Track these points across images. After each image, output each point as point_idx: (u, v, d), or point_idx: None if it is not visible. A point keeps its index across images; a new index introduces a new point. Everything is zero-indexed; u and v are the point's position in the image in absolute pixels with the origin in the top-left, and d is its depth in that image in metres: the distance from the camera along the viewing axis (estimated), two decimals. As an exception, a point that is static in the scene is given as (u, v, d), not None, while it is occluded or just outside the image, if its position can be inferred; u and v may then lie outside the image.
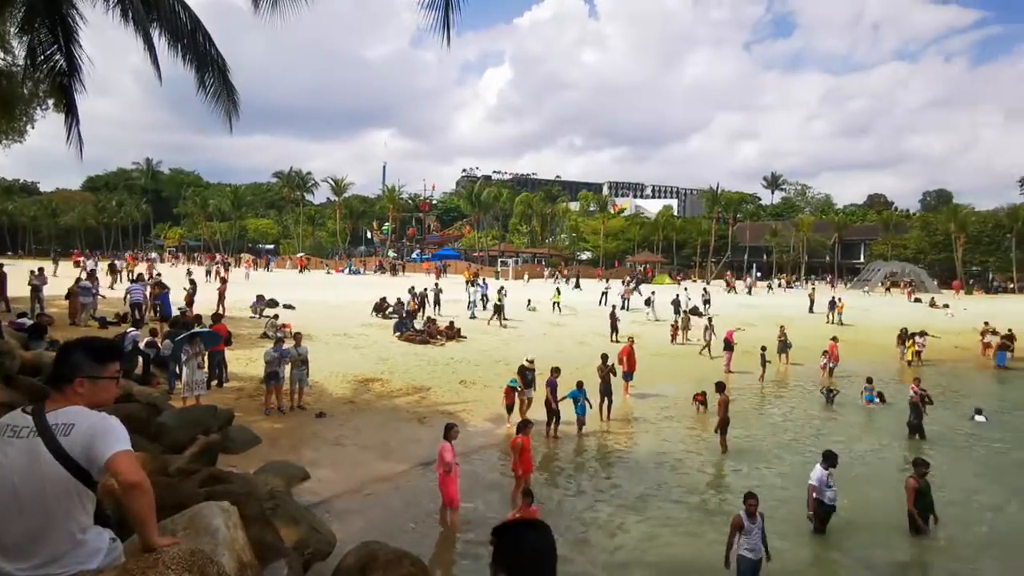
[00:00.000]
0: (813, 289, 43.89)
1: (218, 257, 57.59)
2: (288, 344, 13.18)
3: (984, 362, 24.61)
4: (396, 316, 22.81)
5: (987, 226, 62.99)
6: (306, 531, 6.67)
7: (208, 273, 37.60)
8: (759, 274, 66.58)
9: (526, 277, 51.84)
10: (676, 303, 29.17)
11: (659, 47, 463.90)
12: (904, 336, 24.27)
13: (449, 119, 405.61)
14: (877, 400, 16.95)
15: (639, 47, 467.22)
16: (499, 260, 64.00)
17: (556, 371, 13.06)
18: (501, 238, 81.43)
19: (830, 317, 31.42)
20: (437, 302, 27.07)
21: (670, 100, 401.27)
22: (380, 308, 24.68)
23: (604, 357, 14.98)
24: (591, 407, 13.64)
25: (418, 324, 22.11)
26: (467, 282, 31.94)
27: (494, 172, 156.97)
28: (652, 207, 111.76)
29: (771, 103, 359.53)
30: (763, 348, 19.82)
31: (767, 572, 7.12)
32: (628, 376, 16.34)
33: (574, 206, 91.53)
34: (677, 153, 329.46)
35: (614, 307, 25.57)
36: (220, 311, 20.10)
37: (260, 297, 23.79)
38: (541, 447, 11.74)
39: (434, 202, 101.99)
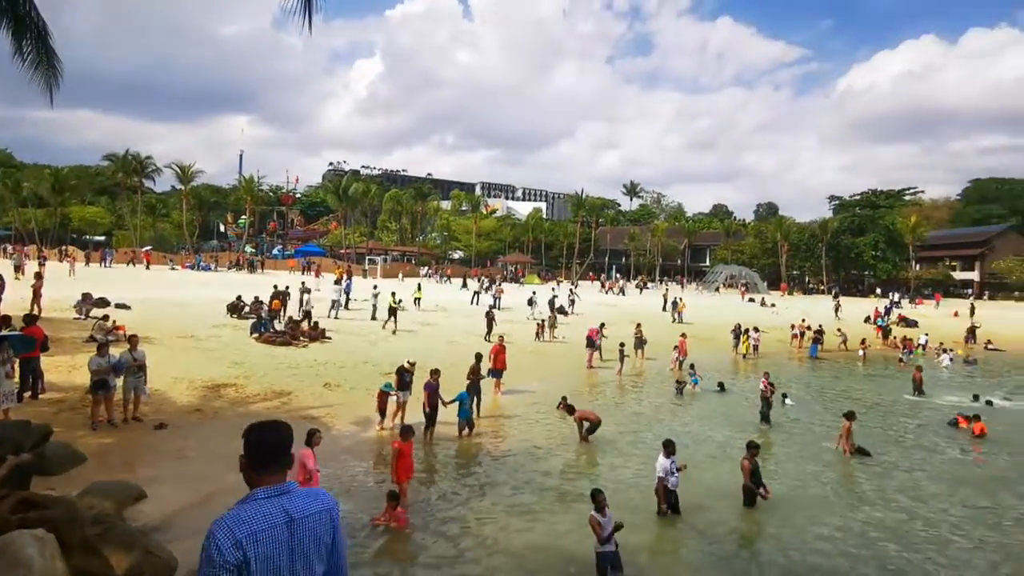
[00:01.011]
0: (667, 290, 47.88)
1: (25, 249, 49.39)
2: (118, 350, 11.71)
3: (800, 354, 28.36)
4: (253, 316, 21.25)
5: (804, 236, 72.57)
6: (140, 556, 5.99)
7: (17, 268, 31.94)
8: (619, 275, 71.20)
9: (401, 276, 50.61)
10: (552, 303, 30.43)
11: (530, 54, 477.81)
12: (738, 332, 27.20)
13: (315, 109, 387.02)
14: (701, 381, 18.95)
15: (512, 52, 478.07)
16: (367, 258, 62.16)
17: (435, 373, 12.74)
18: (369, 235, 79.15)
19: (672, 316, 34.15)
20: (303, 301, 25.46)
21: (540, 106, 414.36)
22: (236, 308, 22.84)
23: (478, 357, 15.05)
24: (477, 414, 13.68)
25: (281, 325, 20.78)
26: (335, 281, 30.57)
27: (363, 167, 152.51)
28: (523, 209, 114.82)
29: (631, 115, 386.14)
30: (622, 344, 21.16)
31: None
32: (498, 374, 16.60)
33: (446, 205, 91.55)
34: (547, 157, 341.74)
35: (490, 307, 25.93)
36: (35, 311, 17.41)
37: (86, 295, 20.94)
38: (419, 450, 11.53)
39: (298, 195, 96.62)
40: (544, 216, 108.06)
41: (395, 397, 13.08)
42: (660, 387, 19.34)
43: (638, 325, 24.84)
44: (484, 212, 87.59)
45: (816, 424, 15.67)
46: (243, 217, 72.02)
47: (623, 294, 50.79)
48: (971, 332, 34.64)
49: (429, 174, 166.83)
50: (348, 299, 27.59)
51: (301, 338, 19.48)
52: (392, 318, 23.31)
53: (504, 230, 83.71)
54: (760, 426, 14.84)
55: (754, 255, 75.20)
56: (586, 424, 13.03)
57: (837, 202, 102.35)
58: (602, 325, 23.31)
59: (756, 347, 26.99)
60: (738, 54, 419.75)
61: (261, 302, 23.04)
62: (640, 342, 23.69)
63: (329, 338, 20.29)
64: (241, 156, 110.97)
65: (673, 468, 9.27)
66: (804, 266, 73.76)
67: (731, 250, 78.04)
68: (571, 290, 38.53)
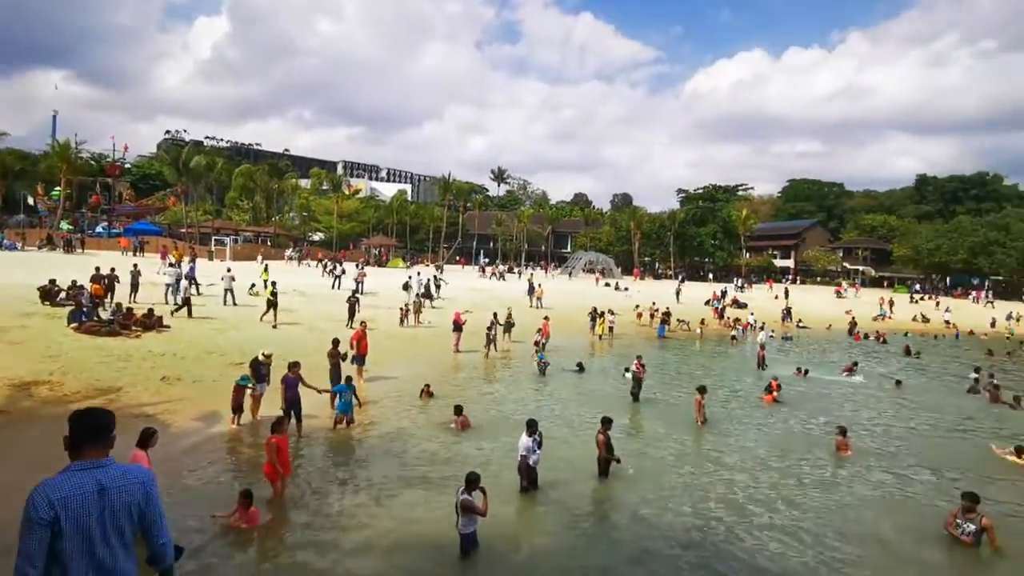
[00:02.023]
0: (531, 275, 49.43)
1: None
2: None
3: (650, 333, 30.75)
4: (72, 303, 18.49)
5: (655, 226, 78.63)
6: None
7: None
8: (487, 260, 72.26)
9: (260, 259, 46.18)
10: (428, 286, 30.32)
11: (397, 29, 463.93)
12: (595, 314, 28.81)
13: (148, 69, 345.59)
14: (547, 356, 20.09)
15: (377, 25, 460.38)
16: (213, 238, 56.83)
17: (295, 366, 11.95)
18: (216, 213, 72.48)
19: (531, 301, 34.59)
20: (128, 281, 22.57)
21: (406, 85, 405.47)
22: (49, 293, 19.73)
23: (335, 342, 14.48)
24: (359, 405, 13.09)
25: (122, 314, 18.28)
26: (175, 263, 27.56)
27: (207, 137, 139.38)
28: (387, 190, 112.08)
29: (499, 102, 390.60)
30: (489, 328, 21.44)
31: (482, 536, 7.73)
32: (360, 360, 16.05)
33: (304, 183, 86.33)
34: (412, 138, 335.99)
35: (353, 291, 24.88)
36: None
37: None
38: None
39: (127, 166, 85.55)
40: (410, 198, 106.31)
41: (250, 391, 12.15)
42: (525, 369, 19.90)
43: (509, 309, 25.41)
44: (346, 192, 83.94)
45: (674, 399, 16.98)
46: (57, 188, 62.29)
47: (503, 279, 51.53)
48: (787, 312, 39.84)
49: (286, 150, 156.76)
50: (195, 284, 25.08)
51: (133, 327, 17.34)
52: (272, 310, 21.34)
53: (368, 211, 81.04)
54: (632, 404, 15.89)
55: (611, 242, 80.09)
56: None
57: (683, 195, 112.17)
58: (495, 315, 23.13)
59: (612, 328, 28.78)
60: (599, 50, 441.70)
61: (81, 287, 20.13)
62: (509, 326, 24.22)
63: (167, 326, 18.28)
64: (55, 117, 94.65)
65: (534, 446, 9.60)
66: (655, 253, 79.99)
67: (590, 237, 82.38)
68: (435, 275, 38.16)
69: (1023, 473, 11.97)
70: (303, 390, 12.01)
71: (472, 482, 7.60)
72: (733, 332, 31.70)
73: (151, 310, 18.70)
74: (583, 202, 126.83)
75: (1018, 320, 43.29)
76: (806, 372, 21.10)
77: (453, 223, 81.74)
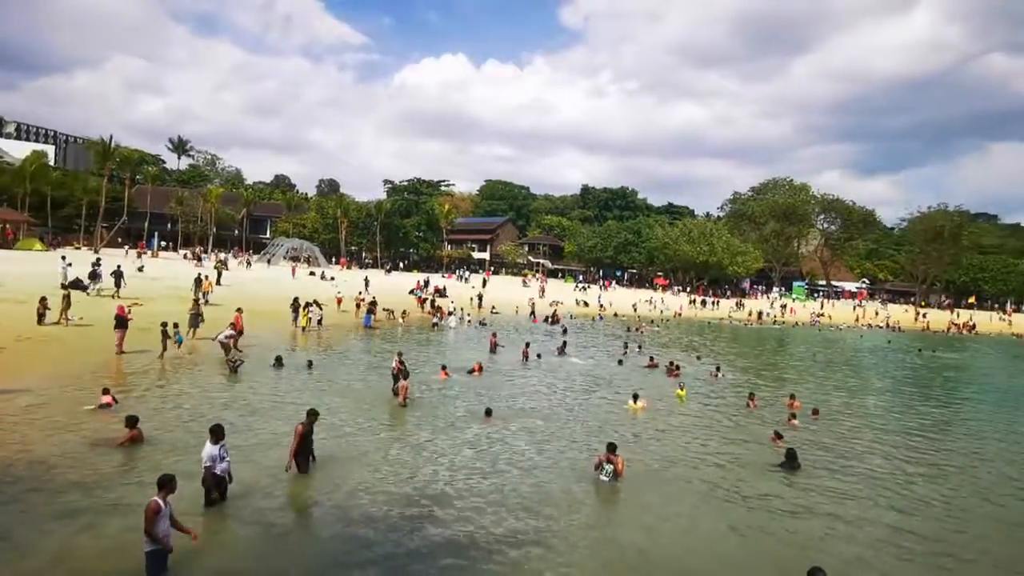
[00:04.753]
0: (221, 261, 44.22)
1: None
2: None
3: (356, 322, 30.49)
4: None
5: (362, 215, 78.14)
6: None
7: None
8: (165, 243, 61.99)
9: None
10: (92, 275, 26.26)
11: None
12: (297, 305, 27.25)
13: None
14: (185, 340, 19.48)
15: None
16: None
17: None
18: None
19: (196, 294, 27.80)
20: None
21: (46, 17, 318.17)
22: None
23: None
24: None
25: None
26: None
27: None
28: (16, 150, 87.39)
29: (180, 60, 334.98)
30: (163, 324, 18.36)
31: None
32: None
33: None
34: (58, 89, 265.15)
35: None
36: None
37: None
38: None
39: None
40: (52, 163, 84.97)
41: None
42: (212, 369, 17.66)
43: (195, 301, 22.19)
44: (-53, 147, 62.42)
45: (371, 385, 16.96)
46: None
47: (226, 267, 44.12)
48: (480, 299, 43.87)
49: None
50: None
51: None
52: None
53: (-16, 176, 61.72)
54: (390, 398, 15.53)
55: (316, 230, 76.73)
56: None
57: (390, 185, 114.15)
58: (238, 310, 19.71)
59: (320, 321, 27.66)
60: (305, 25, 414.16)
61: None
62: (196, 319, 21.20)
63: None
64: None
65: (222, 453, 8.60)
66: (362, 242, 79.48)
67: (293, 223, 77.55)
68: (95, 260, 31.20)
69: (637, 414, 16.09)
70: None
71: (164, 485, 7.03)
72: (434, 319, 33.49)
73: None
74: (285, 185, 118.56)
75: (658, 304, 56.20)
76: (527, 354, 23.31)
77: (117, 198, 67.67)
